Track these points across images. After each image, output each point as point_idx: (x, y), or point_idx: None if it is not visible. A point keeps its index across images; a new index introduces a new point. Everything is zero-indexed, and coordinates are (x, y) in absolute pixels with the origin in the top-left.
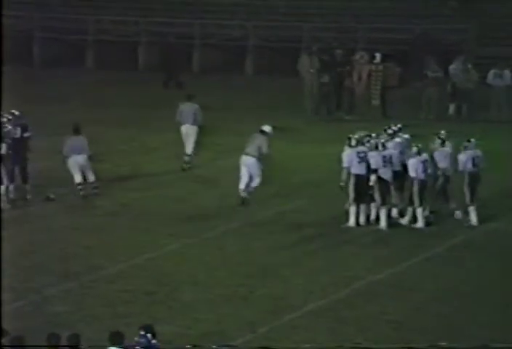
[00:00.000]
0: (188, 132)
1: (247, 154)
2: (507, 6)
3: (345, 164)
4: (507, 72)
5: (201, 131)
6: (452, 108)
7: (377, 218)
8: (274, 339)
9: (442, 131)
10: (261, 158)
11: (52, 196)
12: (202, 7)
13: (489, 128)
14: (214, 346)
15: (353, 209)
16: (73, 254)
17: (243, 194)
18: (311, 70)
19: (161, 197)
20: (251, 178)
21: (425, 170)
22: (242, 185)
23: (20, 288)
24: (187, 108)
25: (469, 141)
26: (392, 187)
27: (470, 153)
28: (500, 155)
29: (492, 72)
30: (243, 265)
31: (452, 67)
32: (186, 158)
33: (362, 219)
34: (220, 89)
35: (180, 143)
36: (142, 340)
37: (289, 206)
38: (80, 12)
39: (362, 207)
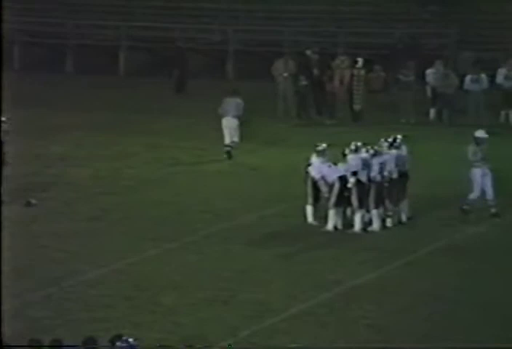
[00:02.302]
0: (229, 125)
1: None
2: (484, 12)
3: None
4: (483, 76)
5: (194, 136)
6: (432, 113)
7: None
8: (256, 343)
9: (399, 136)
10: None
11: (33, 201)
12: (182, 11)
13: (468, 132)
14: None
15: (332, 213)
16: (53, 258)
17: None
18: (285, 74)
19: (141, 201)
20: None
21: (380, 172)
22: None
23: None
24: (228, 102)
25: (395, 140)
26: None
27: (404, 149)
28: None
29: (468, 77)
30: (224, 269)
31: (429, 72)
32: (234, 144)
33: (339, 224)
34: (202, 95)
35: (158, 148)
36: (125, 345)
37: (270, 210)
38: (60, 16)
39: (340, 211)
